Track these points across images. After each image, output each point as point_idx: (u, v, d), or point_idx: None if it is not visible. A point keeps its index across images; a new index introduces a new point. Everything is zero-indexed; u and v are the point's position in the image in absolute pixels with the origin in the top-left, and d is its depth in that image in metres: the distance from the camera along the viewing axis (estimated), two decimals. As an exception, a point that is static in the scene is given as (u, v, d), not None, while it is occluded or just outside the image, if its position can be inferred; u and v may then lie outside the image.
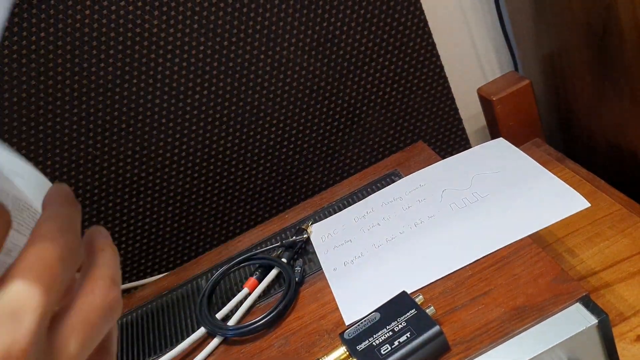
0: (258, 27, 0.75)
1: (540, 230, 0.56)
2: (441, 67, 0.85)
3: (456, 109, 0.88)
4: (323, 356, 0.49)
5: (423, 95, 0.86)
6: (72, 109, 0.72)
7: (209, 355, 0.58)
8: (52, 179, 0.75)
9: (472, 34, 0.91)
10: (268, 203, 0.85)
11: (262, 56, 0.77)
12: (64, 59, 0.69)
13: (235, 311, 0.61)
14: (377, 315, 0.50)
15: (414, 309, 0.49)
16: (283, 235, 0.70)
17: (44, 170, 0.75)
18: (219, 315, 0.61)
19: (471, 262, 0.54)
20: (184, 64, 0.74)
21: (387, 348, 0.47)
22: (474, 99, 0.90)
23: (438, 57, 0.84)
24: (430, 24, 0.82)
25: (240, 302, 0.62)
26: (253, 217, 0.85)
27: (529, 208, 0.56)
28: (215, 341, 0.59)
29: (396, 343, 0.47)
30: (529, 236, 0.54)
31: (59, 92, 0.71)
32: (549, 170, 0.61)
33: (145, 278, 0.82)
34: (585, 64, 0.74)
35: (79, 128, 0.74)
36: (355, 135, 0.85)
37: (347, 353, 0.49)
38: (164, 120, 0.76)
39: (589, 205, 0.53)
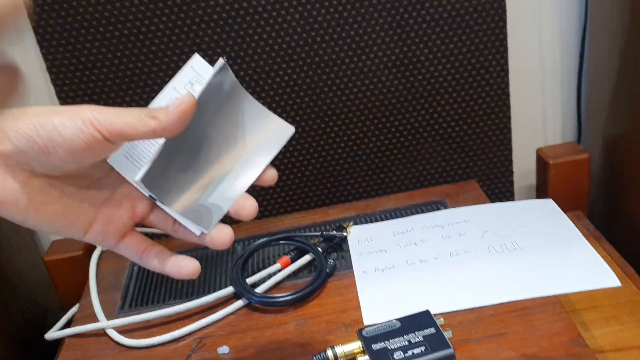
0: (350, 35, 0.79)
1: (561, 296, 0.59)
2: (508, 118, 0.88)
3: (511, 161, 0.91)
4: (338, 345, 0.53)
5: (484, 139, 0.89)
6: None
7: (232, 313, 0.62)
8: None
9: (546, 96, 0.94)
10: (315, 193, 0.89)
11: (347, 60, 0.81)
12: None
13: (264, 282, 0.65)
14: (398, 324, 0.53)
15: (433, 328, 0.52)
16: (323, 227, 0.74)
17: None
18: (249, 281, 0.65)
19: (496, 303, 0.57)
20: (273, 54, 0.78)
21: (401, 355, 0.50)
22: (529, 155, 0.93)
23: (509, 107, 0.87)
24: (510, 75, 0.85)
25: (270, 275, 0.66)
26: (292, 203, 0.89)
27: (562, 270, 0.59)
28: (240, 302, 0.63)
29: (410, 353, 0.50)
30: (557, 295, 0.57)
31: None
32: (585, 244, 0.64)
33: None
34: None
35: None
36: (412, 156, 0.88)
37: (361, 349, 0.52)
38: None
39: (620, 284, 0.56)
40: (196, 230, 0.44)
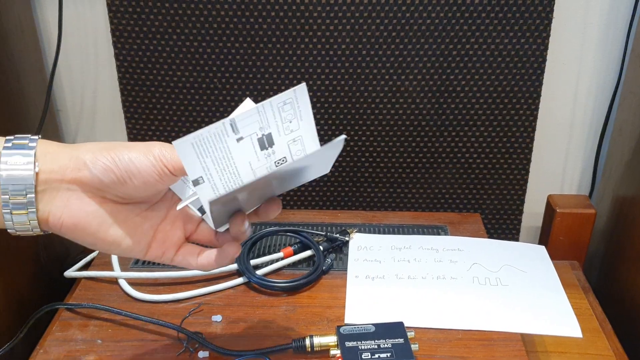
0: (394, 54, 0.84)
1: (536, 335, 0.64)
2: (528, 161, 0.92)
3: (523, 201, 0.95)
4: (316, 335, 0.59)
5: (502, 176, 0.93)
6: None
7: (231, 287, 0.69)
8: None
9: (570, 147, 0.97)
10: (332, 195, 0.95)
11: (387, 76, 0.86)
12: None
13: (266, 266, 0.71)
14: (372, 328, 0.59)
15: (403, 339, 0.58)
16: (329, 228, 0.80)
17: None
18: (253, 262, 0.71)
19: (465, 328, 0.62)
20: (319, 57, 0.84)
21: (368, 356, 0.56)
22: (541, 199, 0.97)
23: (531, 150, 0.91)
24: (538, 121, 0.89)
25: (272, 261, 0.72)
26: (309, 199, 0.95)
27: (532, 312, 0.64)
28: (240, 279, 0.69)
29: (376, 356, 0.56)
30: (522, 334, 0.62)
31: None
32: (570, 294, 0.69)
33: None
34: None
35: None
36: (430, 179, 0.93)
37: (336, 343, 0.58)
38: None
39: (581, 336, 0.61)
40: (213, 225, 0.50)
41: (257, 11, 0.82)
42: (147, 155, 0.44)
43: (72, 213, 0.44)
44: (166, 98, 0.88)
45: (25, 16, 0.84)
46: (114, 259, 0.74)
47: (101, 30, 0.88)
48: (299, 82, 0.86)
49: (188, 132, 0.91)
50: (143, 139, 0.91)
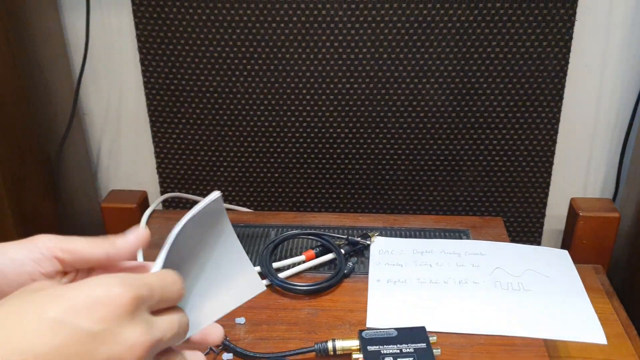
0: (415, 57, 0.84)
1: (559, 341, 0.64)
2: (551, 164, 0.92)
3: (545, 204, 0.95)
4: (339, 339, 0.60)
5: (524, 179, 0.93)
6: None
7: (254, 291, 0.69)
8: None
9: (593, 150, 0.97)
10: (353, 198, 0.95)
11: (407, 80, 0.86)
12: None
13: (288, 269, 0.72)
14: (395, 333, 0.60)
15: (425, 344, 0.58)
16: (351, 231, 0.81)
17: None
18: (275, 265, 0.72)
19: (488, 333, 0.62)
20: (340, 62, 0.84)
21: (390, 360, 0.56)
22: (564, 202, 0.96)
23: (553, 153, 0.91)
24: (561, 123, 0.89)
25: (294, 264, 0.73)
26: (330, 202, 0.95)
27: (555, 318, 0.64)
28: (263, 282, 0.70)
29: (398, 360, 0.56)
30: (545, 339, 0.62)
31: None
32: (594, 298, 0.68)
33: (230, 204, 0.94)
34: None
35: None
36: (452, 182, 0.93)
37: (358, 347, 0.59)
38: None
39: (605, 343, 0.61)
40: None
41: (279, 16, 0.82)
42: (25, 246, 0.37)
43: None
44: (190, 102, 0.89)
45: (53, 22, 0.86)
46: (139, 259, 0.75)
47: (127, 35, 0.90)
48: (320, 86, 0.87)
49: (212, 135, 0.92)
50: (167, 143, 0.93)
